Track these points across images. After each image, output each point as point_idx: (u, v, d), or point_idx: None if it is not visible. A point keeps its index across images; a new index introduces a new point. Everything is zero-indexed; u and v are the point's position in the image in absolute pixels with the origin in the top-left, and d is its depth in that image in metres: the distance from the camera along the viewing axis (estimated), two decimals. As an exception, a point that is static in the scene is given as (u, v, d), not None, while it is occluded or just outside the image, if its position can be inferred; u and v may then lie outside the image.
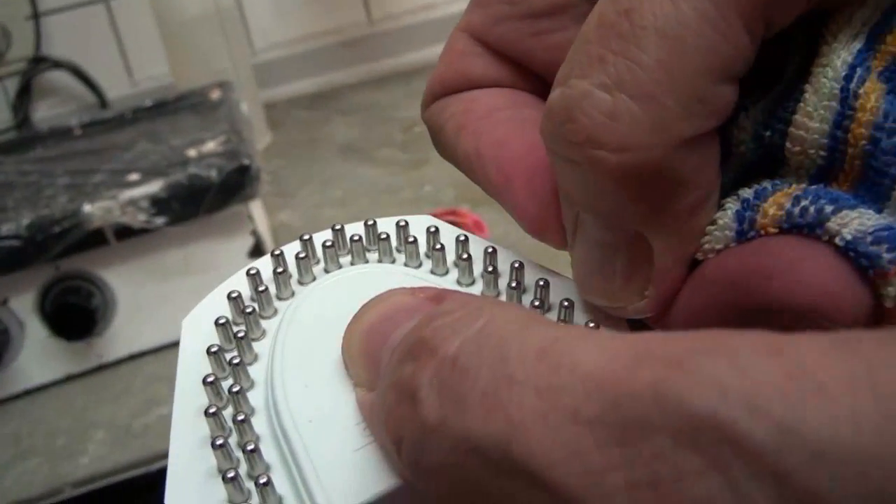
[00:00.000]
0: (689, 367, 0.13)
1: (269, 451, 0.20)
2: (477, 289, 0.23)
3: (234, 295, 0.23)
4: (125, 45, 1.32)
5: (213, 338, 0.22)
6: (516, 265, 0.22)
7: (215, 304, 0.24)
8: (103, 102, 1.31)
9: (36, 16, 1.27)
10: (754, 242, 0.19)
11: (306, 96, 1.34)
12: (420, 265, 0.24)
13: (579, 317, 0.21)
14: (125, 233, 0.82)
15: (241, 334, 0.22)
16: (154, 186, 0.81)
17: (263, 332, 0.23)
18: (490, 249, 0.23)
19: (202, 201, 0.81)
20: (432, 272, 0.24)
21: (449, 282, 0.23)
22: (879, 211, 0.18)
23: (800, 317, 0.18)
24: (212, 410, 0.20)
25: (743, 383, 0.12)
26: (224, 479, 0.19)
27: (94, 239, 0.82)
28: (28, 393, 0.87)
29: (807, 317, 0.18)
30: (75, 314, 0.84)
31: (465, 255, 0.23)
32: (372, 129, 1.21)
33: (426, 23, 1.39)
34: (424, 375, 0.16)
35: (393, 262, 0.24)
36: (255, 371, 0.22)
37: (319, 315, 0.22)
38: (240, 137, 0.88)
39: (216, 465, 0.20)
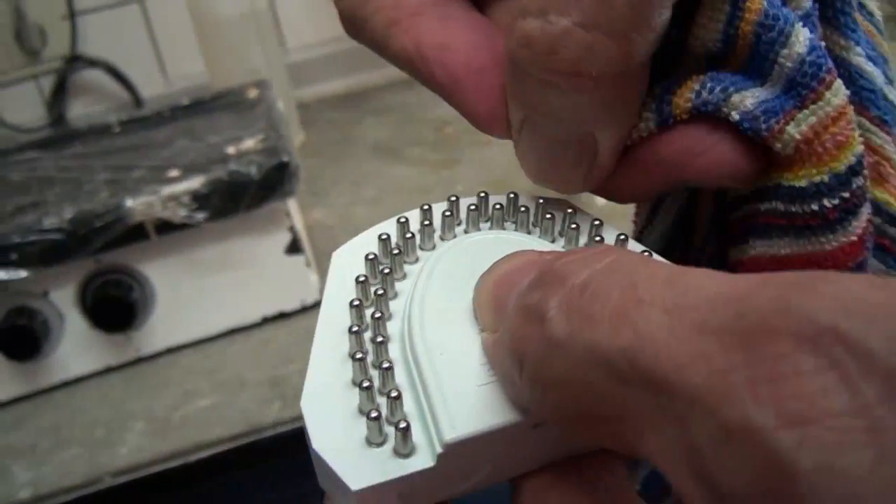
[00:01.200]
0: (811, 287, 0.15)
1: (400, 375, 0.22)
2: None
3: (383, 237, 0.25)
4: (159, 44, 1.34)
5: (361, 269, 0.24)
6: (622, 237, 0.25)
7: (365, 242, 0.26)
8: (137, 101, 1.33)
9: (72, 15, 1.29)
10: (676, 129, 0.23)
11: (338, 96, 1.36)
12: (554, 241, 0.26)
13: None
14: (165, 228, 0.83)
15: (385, 270, 0.24)
16: (195, 182, 0.82)
17: (405, 275, 0.25)
18: (597, 222, 0.25)
19: (242, 198, 0.83)
20: (540, 238, 0.26)
21: (559, 247, 0.25)
22: (762, 86, 0.23)
23: (712, 182, 0.24)
24: (354, 329, 0.22)
25: (859, 302, 0.14)
26: (360, 387, 0.21)
27: (135, 233, 0.83)
28: (67, 384, 0.89)
29: (718, 182, 0.24)
30: (115, 307, 0.85)
31: (598, 238, 0.25)
32: (403, 128, 1.22)
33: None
34: (553, 299, 0.17)
35: (529, 234, 0.26)
36: (395, 305, 0.24)
37: (458, 265, 0.24)
38: (278, 135, 0.89)
39: (352, 377, 0.22)
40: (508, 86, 0.23)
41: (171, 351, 0.89)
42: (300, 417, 0.74)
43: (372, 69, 1.38)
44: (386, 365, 0.21)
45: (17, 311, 0.85)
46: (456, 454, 0.20)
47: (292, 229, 0.87)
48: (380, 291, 0.23)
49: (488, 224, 0.26)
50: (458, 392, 0.20)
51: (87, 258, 0.84)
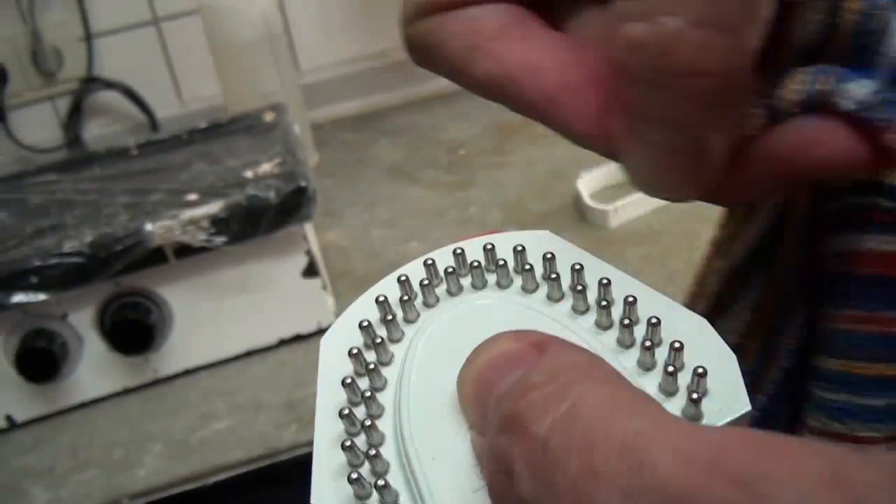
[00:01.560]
0: (758, 491, 0.14)
1: (397, 480, 0.22)
2: (591, 319, 0.24)
3: (364, 323, 0.25)
4: (174, 66, 1.35)
5: (348, 365, 0.24)
6: (629, 299, 0.24)
7: (349, 326, 0.26)
8: (153, 122, 1.34)
9: (88, 37, 1.30)
10: (788, 124, 0.23)
11: (351, 118, 1.37)
12: (537, 287, 0.25)
13: (689, 358, 0.22)
14: (184, 251, 0.84)
15: (371, 365, 0.24)
16: (214, 206, 0.83)
17: (392, 357, 0.25)
18: (605, 280, 0.24)
19: (260, 222, 0.83)
20: (548, 297, 0.25)
21: (563, 310, 0.25)
22: (867, 77, 0.22)
23: (824, 174, 0.23)
24: (347, 444, 0.22)
25: None
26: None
27: (154, 257, 0.84)
28: (85, 406, 0.90)
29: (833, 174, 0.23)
30: (133, 330, 0.86)
31: (579, 287, 0.25)
32: (417, 150, 1.23)
33: (470, 46, 1.41)
34: (518, 452, 0.18)
35: (510, 283, 0.26)
36: (385, 397, 0.24)
37: (441, 347, 0.24)
38: (295, 159, 0.90)
39: (354, 493, 0.22)
40: (616, 96, 0.22)
41: (188, 373, 0.90)
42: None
43: (385, 91, 1.39)
44: (381, 483, 0.21)
45: (36, 334, 0.86)
46: None
47: (309, 252, 0.88)
48: (367, 394, 0.23)
49: (469, 280, 0.26)
50: (453, 501, 0.21)
51: (107, 281, 0.85)
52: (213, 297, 0.88)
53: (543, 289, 0.25)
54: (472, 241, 0.26)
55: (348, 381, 0.24)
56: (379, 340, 0.24)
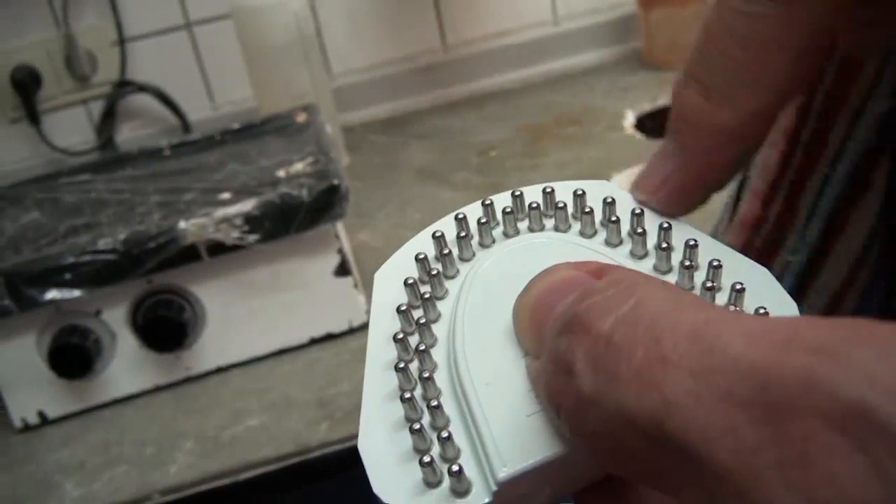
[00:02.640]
0: (837, 355, 0.14)
1: (449, 405, 0.22)
2: (649, 263, 0.24)
3: (420, 256, 0.25)
4: (206, 69, 1.36)
5: (402, 296, 0.24)
6: (691, 243, 0.23)
7: (403, 262, 0.26)
8: (185, 125, 1.35)
9: (121, 41, 1.32)
10: None
11: (382, 121, 1.37)
12: (595, 233, 0.25)
13: (749, 301, 0.22)
14: (217, 249, 0.84)
15: (426, 295, 0.24)
16: (247, 205, 0.84)
17: (446, 292, 0.25)
18: (665, 225, 0.24)
19: (293, 220, 0.84)
20: (606, 242, 0.25)
21: (622, 254, 0.25)
22: None
23: None
24: (401, 365, 0.22)
25: (890, 372, 0.13)
26: (411, 430, 0.21)
27: (188, 255, 0.84)
28: (117, 402, 0.90)
29: None
30: (166, 327, 0.86)
31: (639, 230, 0.24)
32: (447, 153, 1.23)
33: (500, 49, 1.41)
34: (580, 350, 0.18)
35: (569, 228, 0.25)
36: (439, 329, 0.24)
37: (497, 281, 0.24)
38: (328, 158, 0.90)
39: (403, 415, 0.22)
40: None
41: (220, 371, 0.90)
42: (348, 438, 0.75)
43: (415, 94, 1.39)
44: (434, 403, 0.21)
45: (69, 330, 0.86)
46: (511, 487, 0.20)
47: (341, 251, 0.88)
48: (422, 320, 0.23)
49: (526, 223, 0.26)
50: (507, 425, 0.21)
51: (140, 279, 0.86)
52: (245, 295, 0.88)
53: (602, 234, 0.25)
54: (532, 186, 0.26)
55: (403, 308, 0.24)
56: (435, 273, 0.24)
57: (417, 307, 0.24)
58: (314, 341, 0.91)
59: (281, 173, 0.89)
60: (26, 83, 1.29)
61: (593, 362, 0.17)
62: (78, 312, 0.87)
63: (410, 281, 0.24)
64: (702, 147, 0.25)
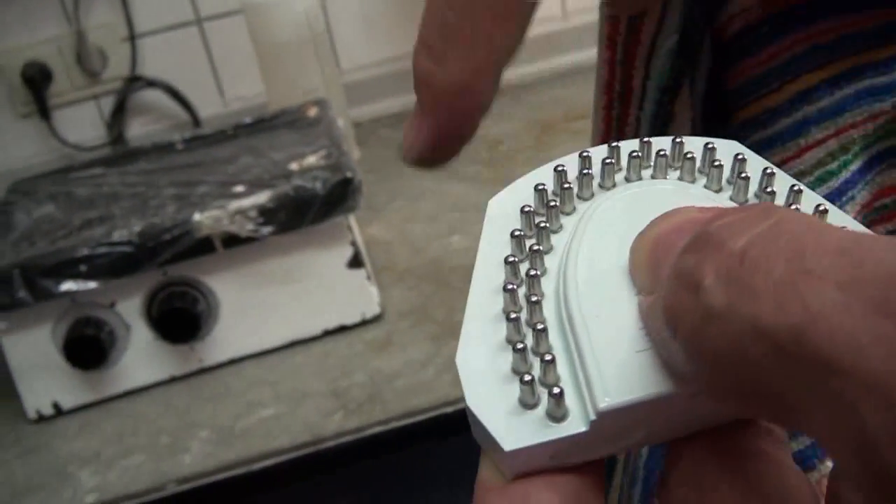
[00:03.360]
0: None
1: (554, 336, 0.22)
2: None
3: (540, 187, 0.24)
4: (217, 65, 1.37)
5: (516, 221, 0.24)
6: (821, 208, 0.23)
7: (521, 191, 0.25)
8: (196, 121, 1.36)
9: (132, 37, 1.32)
10: None
11: (391, 115, 1.38)
12: (720, 190, 0.25)
13: None
14: (232, 241, 0.85)
15: (542, 224, 0.23)
16: (261, 197, 0.84)
17: (561, 227, 0.24)
18: (797, 188, 0.23)
19: (307, 212, 0.84)
20: (732, 199, 0.24)
21: None
22: None
23: None
24: (509, 287, 0.22)
25: None
26: (514, 349, 0.21)
27: (202, 247, 0.85)
28: (131, 393, 0.91)
29: None
30: (180, 318, 0.87)
31: (769, 189, 0.24)
32: (457, 147, 1.24)
33: (508, 45, 1.41)
34: (710, 266, 0.16)
35: (694, 181, 0.25)
36: (550, 260, 0.23)
37: (616, 220, 0.23)
38: (340, 151, 0.91)
39: (506, 336, 0.22)
40: None
41: (233, 362, 0.91)
42: (362, 428, 0.75)
43: (424, 90, 1.40)
44: (540, 326, 0.21)
45: (84, 322, 0.87)
46: (609, 420, 0.20)
47: (354, 243, 0.89)
48: (535, 247, 0.23)
49: (650, 172, 0.25)
50: (614, 358, 0.20)
51: (155, 270, 0.86)
52: (258, 287, 0.89)
53: (728, 191, 0.24)
54: (661, 138, 0.25)
55: (517, 233, 0.23)
56: (553, 204, 0.24)
57: (531, 236, 0.24)
58: (327, 333, 0.91)
59: (294, 166, 0.90)
60: (37, 79, 1.30)
61: (726, 276, 0.16)
62: (93, 304, 0.87)
63: (528, 209, 0.24)
64: (438, 105, 0.29)
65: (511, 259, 0.23)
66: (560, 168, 0.25)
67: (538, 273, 0.23)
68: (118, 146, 1.35)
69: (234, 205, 0.85)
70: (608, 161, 0.25)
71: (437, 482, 0.90)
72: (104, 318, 0.88)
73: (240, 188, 0.88)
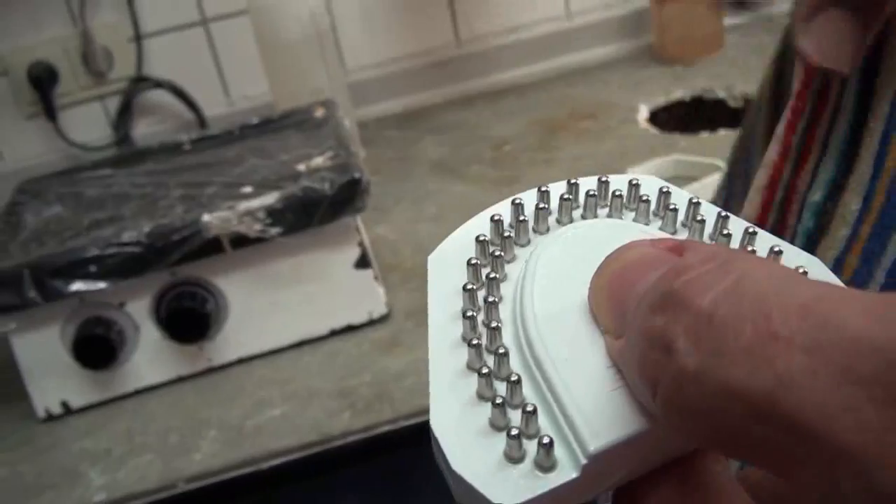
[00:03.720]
0: None
1: (525, 385, 0.21)
2: None
3: (481, 238, 0.24)
4: (222, 65, 1.38)
5: (462, 276, 0.24)
6: (750, 231, 0.23)
7: (457, 244, 0.25)
8: (201, 121, 1.36)
9: (138, 38, 1.33)
10: None
11: (396, 116, 1.38)
12: (649, 223, 0.25)
13: None
14: (240, 242, 0.86)
15: (490, 275, 0.23)
16: (270, 198, 0.85)
17: (506, 276, 0.24)
18: (724, 214, 0.24)
19: (315, 213, 0.85)
20: (661, 230, 0.24)
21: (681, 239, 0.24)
22: None
23: None
24: (474, 342, 0.22)
25: None
26: (493, 403, 0.20)
27: (211, 247, 0.86)
28: (140, 392, 0.92)
29: None
30: (189, 319, 0.88)
31: (699, 217, 0.24)
32: (462, 147, 1.24)
33: (513, 44, 1.42)
34: (678, 328, 0.17)
35: (622, 217, 0.25)
36: (503, 310, 0.23)
37: (562, 261, 0.23)
38: (348, 152, 0.91)
39: (477, 390, 0.21)
40: None
41: (242, 362, 0.92)
42: (369, 427, 0.76)
43: (429, 89, 1.41)
44: (514, 378, 0.21)
45: (93, 322, 0.88)
46: (598, 463, 0.20)
47: (361, 244, 0.90)
48: (490, 298, 0.23)
49: (606, 211, 0.25)
50: (591, 400, 0.20)
51: (163, 271, 0.87)
52: (267, 287, 0.89)
53: (657, 223, 0.25)
54: (586, 178, 0.26)
55: (469, 286, 0.23)
56: (497, 254, 0.24)
57: (480, 287, 0.23)
58: (334, 333, 0.92)
59: (301, 167, 0.91)
60: (43, 79, 1.31)
61: (695, 338, 0.16)
62: (102, 304, 0.88)
63: (474, 261, 0.23)
64: None
65: (469, 314, 0.23)
66: (497, 217, 0.25)
67: (496, 323, 0.22)
68: (124, 146, 1.35)
69: (243, 205, 0.85)
70: (541, 207, 0.25)
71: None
72: (113, 318, 0.88)
73: (248, 189, 0.89)
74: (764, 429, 0.15)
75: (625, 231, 0.24)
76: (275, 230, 0.85)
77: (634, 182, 0.25)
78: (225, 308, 0.90)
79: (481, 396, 0.21)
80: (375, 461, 0.82)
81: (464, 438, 0.21)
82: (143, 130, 1.39)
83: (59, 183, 1.04)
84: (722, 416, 0.16)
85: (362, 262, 0.90)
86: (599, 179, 0.25)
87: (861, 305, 0.15)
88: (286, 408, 0.85)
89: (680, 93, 1.27)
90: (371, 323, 0.92)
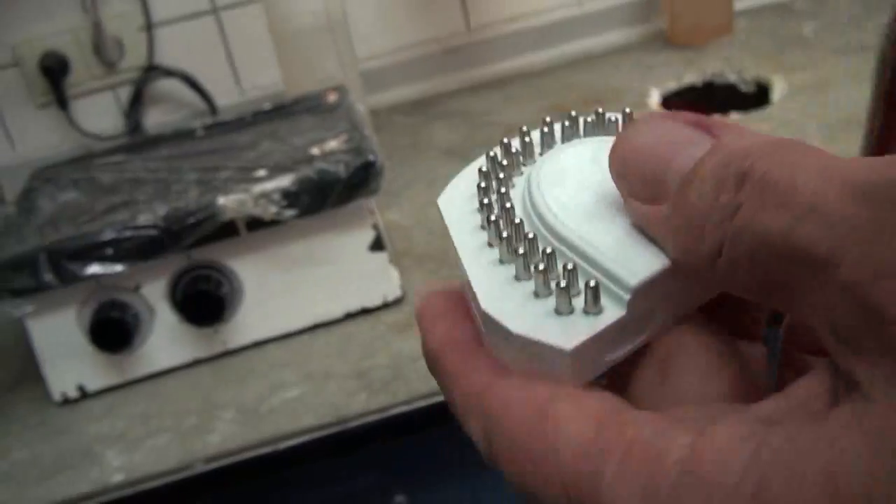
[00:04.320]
0: None
1: (558, 263, 0.23)
2: None
3: (483, 169, 0.27)
4: (233, 54, 1.38)
5: (474, 200, 0.26)
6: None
7: (463, 182, 0.28)
8: (213, 109, 1.37)
9: (149, 27, 1.33)
10: None
11: (407, 102, 1.39)
12: None
13: None
14: (255, 225, 0.86)
15: (501, 190, 0.25)
16: (285, 180, 0.85)
17: (514, 186, 0.26)
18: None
19: (330, 195, 0.85)
20: None
21: None
22: None
23: None
24: (504, 236, 0.24)
25: None
26: (535, 270, 0.23)
27: (226, 230, 0.86)
28: (155, 376, 0.92)
29: None
30: (204, 301, 0.88)
31: None
32: (473, 133, 1.25)
33: (523, 30, 1.42)
34: (754, 199, 0.19)
35: None
36: (518, 209, 0.25)
37: (564, 164, 0.26)
38: (361, 135, 0.92)
39: (515, 274, 0.24)
40: None
41: (257, 345, 0.92)
42: (386, 408, 0.76)
43: (438, 76, 1.41)
44: (549, 250, 0.23)
45: (109, 305, 0.88)
46: (640, 300, 0.22)
47: (376, 226, 0.90)
48: (506, 205, 0.25)
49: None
50: (620, 252, 0.22)
51: (179, 254, 0.87)
52: (282, 270, 0.90)
53: None
54: (585, 112, 0.28)
55: (484, 200, 0.25)
56: (501, 177, 0.26)
57: (494, 201, 0.25)
58: (349, 315, 0.92)
59: (315, 151, 0.91)
60: (55, 69, 1.31)
61: (761, 203, 0.18)
62: (118, 287, 0.89)
63: (483, 184, 0.26)
64: None
65: (493, 218, 0.25)
66: (492, 154, 0.27)
67: (517, 221, 0.24)
68: (136, 136, 1.36)
69: (258, 188, 0.85)
70: (545, 130, 0.27)
71: (460, 460, 0.91)
72: (129, 302, 0.89)
73: (262, 172, 0.89)
74: (800, 270, 0.18)
75: None
76: (290, 212, 0.85)
77: (629, 112, 0.27)
78: (240, 291, 0.90)
79: (520, 277, 0.23)
80: (392, 441, 0.82)
81: (516, 308, 0.23)
82: (155, 120, 1.39)
83: (73, 169, 1.05)
84: (771, 265, 0.18)
85: (377, 245, 0.90)
86: (597, 111, 0.27)
87: (867, 162, 0.18)
88: (302, 389, 0.85)
89: (691, 77, 1.27)
90: (386, 306, 0.92)
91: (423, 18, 1.40)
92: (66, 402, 0.92)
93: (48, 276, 0.85)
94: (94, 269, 0.86)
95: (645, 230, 0.22)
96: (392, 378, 0.84)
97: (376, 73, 1.38)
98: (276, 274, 0.90)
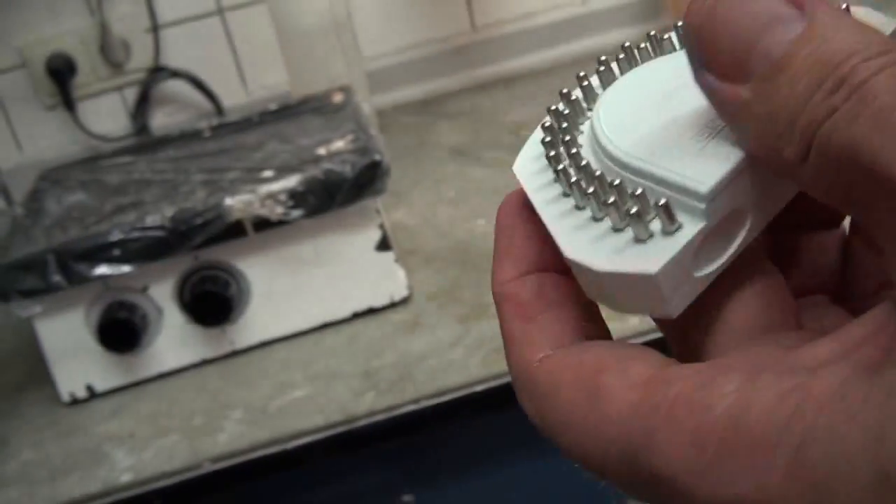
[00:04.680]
0: None
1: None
2: None
3: (546, 124, 0.26)
4: (239, 55, 1.38)
5: (542, 160, 0.26)
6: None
7: (533, 144, 0.28)
8: (219, 110, 1.37)
9: (155, 28, 1.34)
10: None
11: (413, 102, 1.39)
12: None
13: None
14: (263, 225, 0.86)
15: (566, 138, 0.25)
16: (291, 181, 0.86)
17: (582, 132, 0.26)
18: None
19: (336, 195, 0.86)
20: None
21: None
22: None
23: None
24: (574, 180, 0.24)
25: None
26: (604, 204, 0.22)
27: (233, 230, 0.86)
28: (163, 376, 0.92)
29: None
30: (212, 302, 0.88)
31: None
32: (479, 132, 1.25)
33: (528, 30, 1.43)
34: (847, 104, 0.18)
35: None
36: (584, 154, 0.25)
37: (627, 89, 0.26)
38: (368, 135, 0.92)
39: (591, 215, 0.23)
40: None
41: (264, 345, 0.92)
42: (394, 407, 0.77)
43: (445, 76, 1.41)
44: (617, 182, 0.22)
45: (117, 306, 0.88)
46: (717, 205, 0.21)
47: (382, 226, 0.90)
48: (572, 151, 0.25)
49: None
50: (687, 164, 0.22)
51: (186, 254, 0.88)
52: (289, 270, 0.90)
53: None
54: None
55: (552, 153, 0.25)
56: (565, 125, 0.26)
57: (561, 151, 0.25)
58: (356, 315, 0.93)
59: (321, 151, 0.91)
60: (61, 71, 1.32)
61: (854, 114, 0.18)
62: (126, 288, 0.89)
63: (549, 139, 0.26)
64: None
65: (560, 167, 0.24)
66: (553, 108, 0.27)
67: (584, 166, 0.24)
68: (143, 137, 1.36)
69: (265, 189, 0.86)
70: (622, 56, 0.27)
71: (467, 459, 0.91)
72: (137, 302, 0.89)
73: (269, 173, 0.89)
74: (883, 193, 0.17)
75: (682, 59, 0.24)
76: (296, 213, 0.85)
77: (680, 24, 0.26)
78: (247, 291, 0.90)
79: (596, 217, 0.23)
80: (399, 440, 0.82)
81: (598, 247, 0.23)
82: (161, 121, 1.40)
83: (80, 170, 1.05)
84: (857, 180, 0.18)
85: (383, 245, 0.90)
86: (649, 34, 0.27)
87: None
88: (310, 389, 0.86)
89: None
90: (392, 305, 0.93)
91: (428, 18, 1.41)
92: (75, 402, 0.92)
93: (56, 277, 0.85)
94: (102, 269, 0.86)
95: (716, 108, 0.21)
96: (399, 377, 0.84)
97: (382, 73, 1.39)
98: (284, 274, 0.90)
